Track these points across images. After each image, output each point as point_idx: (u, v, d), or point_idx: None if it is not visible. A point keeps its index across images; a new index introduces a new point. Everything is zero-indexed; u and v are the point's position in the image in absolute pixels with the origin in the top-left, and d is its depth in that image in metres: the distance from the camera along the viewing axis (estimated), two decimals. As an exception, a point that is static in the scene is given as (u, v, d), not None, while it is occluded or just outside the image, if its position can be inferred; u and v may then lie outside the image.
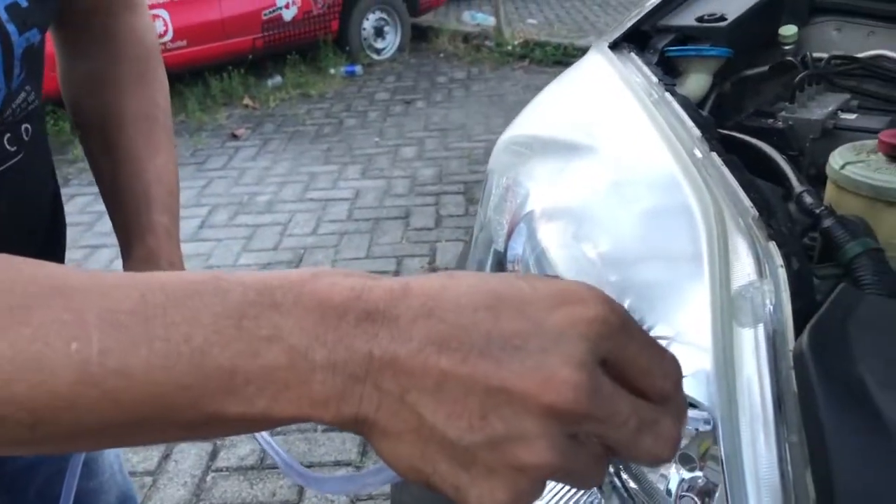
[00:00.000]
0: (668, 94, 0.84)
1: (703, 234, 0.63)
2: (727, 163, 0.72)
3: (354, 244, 3.65)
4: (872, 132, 0.96)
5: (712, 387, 0.54)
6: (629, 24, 1.08)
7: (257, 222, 3.94)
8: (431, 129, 5.21)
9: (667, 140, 0.76)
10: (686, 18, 1.09)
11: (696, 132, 0.76)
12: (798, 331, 0.54)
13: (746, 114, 1.04)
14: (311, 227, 3.84)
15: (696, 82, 1.03)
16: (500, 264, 0.86)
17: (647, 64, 0.93)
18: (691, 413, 0.47)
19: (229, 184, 4.46)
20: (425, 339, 0.33)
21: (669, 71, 1.04)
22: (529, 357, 0.33)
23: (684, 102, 0.83)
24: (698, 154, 0.74)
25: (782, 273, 0.57)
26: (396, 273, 3.35)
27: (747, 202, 0.65)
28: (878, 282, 0.60)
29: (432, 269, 3.37)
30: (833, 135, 0.98)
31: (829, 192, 0.78)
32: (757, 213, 0.63)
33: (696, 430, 0.54)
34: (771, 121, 1.00)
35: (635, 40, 1.06)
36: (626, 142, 0.80)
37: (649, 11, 1.10)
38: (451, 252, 3.49)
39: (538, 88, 1.02)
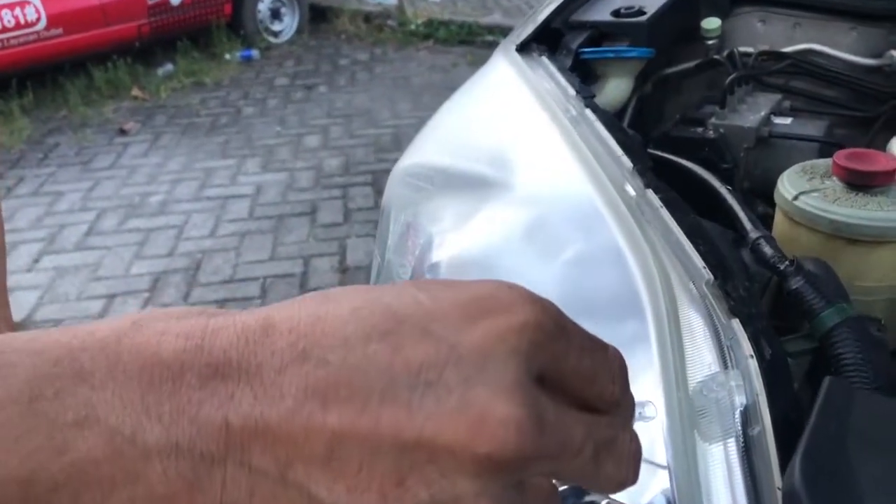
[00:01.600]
0: (588, 111, 0.71)
1: (648, 310, 0.50)
2: (667, 202, 0.59)
3: (257, 245, 3.43)
4: (810, 140, 0.86)
5: (676, 526, 0.42)
6: (538, 21, 0.94)
7: (150, 226, 3.66)
8: (335, 116, 5.00)
9: (591, 173, 0.63)
10: (601, 12, 0.96)
11: (627, 163, 0.63)
12: (779, 439, 0.42)
13: (673, 122, 0.92)
14: (210, 228, 3.60)
15: (617, 88, 0.90)
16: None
17: (562, 70, 0.80)
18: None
19: (118, 184, 4.15)
20: (303, 391, 0.26)
21: (586, 75, 0.91)
22: (449, 393, 0.26)
23: (608, 121, 0.70)
24: (631, 192, 0.61)
25: (753, 365, 0.45)
26: (304, 276, 3.16)
27: (698, 260, 0.52)
28: (861, 360, 0.48)
29: (343, 268, 3.20)
30: (768, 143, 0.88)
31: (780, 224, 0.67)
32: (712, 277, 0.51)
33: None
34: (701, 129, 0.88)
35: (546, 39, 0.93)
36: (543, 175, 0.67)
37: (560, 5, 0.96)
38: (362, 249, 3.33)
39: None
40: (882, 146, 0.81)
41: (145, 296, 3.10)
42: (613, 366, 0.30)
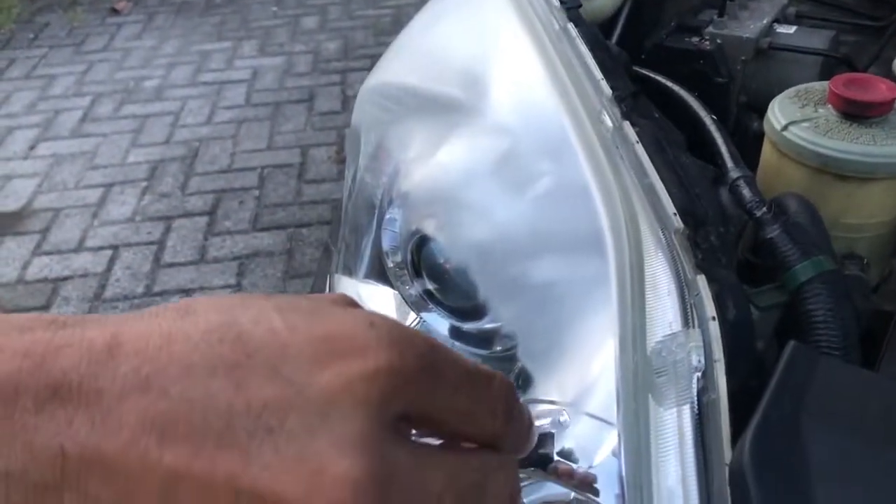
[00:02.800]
0: (571, 26, 0.66)
1: (611, 256, 0.48)
2: (643, 137, 0.55)
3: (254, 133, 3.37)
4: (813, 53, 0.80)
5: (623, 490, 0.41)
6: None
7: (146, 112, 3.59)
8: (334, -5, 4.79)
9: (567, 99, 0.59)
10: None
11: (607, 89, 0.59)
12: (735, 410, 0.40)
13: (668, 30, 0.86)
14: (206, 115, 3.53)
15: (607, -4, 0.84)
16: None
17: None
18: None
19: (112, 68, 4.04)
20: (141, 423, 0.24)
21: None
22: (289, 443, 0.24)
23: (590, 38, 0.65)
24: (608, 122, 0.57)
25: (714, 328, 0.42)
26: (302, 166, 3.12)
27: (669, 206, 0.49)
28: (831, 319, 0.46)
29: (340, 159, 3.15)
30: (768, 55, 0.82)
31: (767, 154, 0.63)
32: (682, 226, 0.48)
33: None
34: (697, 40, 0.82)
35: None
36: (515, 101, 0.62)
37: None
38: (359, 138, 3.27)
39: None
40: (891, 60, 0.76)
41: (143, 185, 3.08)
42: (496, 399, 0.28)
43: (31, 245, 2.79)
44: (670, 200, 0.49)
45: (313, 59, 3.98)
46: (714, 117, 0.65)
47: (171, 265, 2.65)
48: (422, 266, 0.65)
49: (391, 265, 0.66)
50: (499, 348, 0.63)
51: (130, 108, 3.64)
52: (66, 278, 2.63)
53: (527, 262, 0.60)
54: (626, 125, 0.55)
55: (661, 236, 0.48)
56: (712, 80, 0.80)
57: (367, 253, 0.73)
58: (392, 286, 0.69)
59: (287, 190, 3.00)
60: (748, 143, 0.84)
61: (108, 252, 2.73)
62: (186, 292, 2.52)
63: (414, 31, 0.74)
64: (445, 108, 0.64)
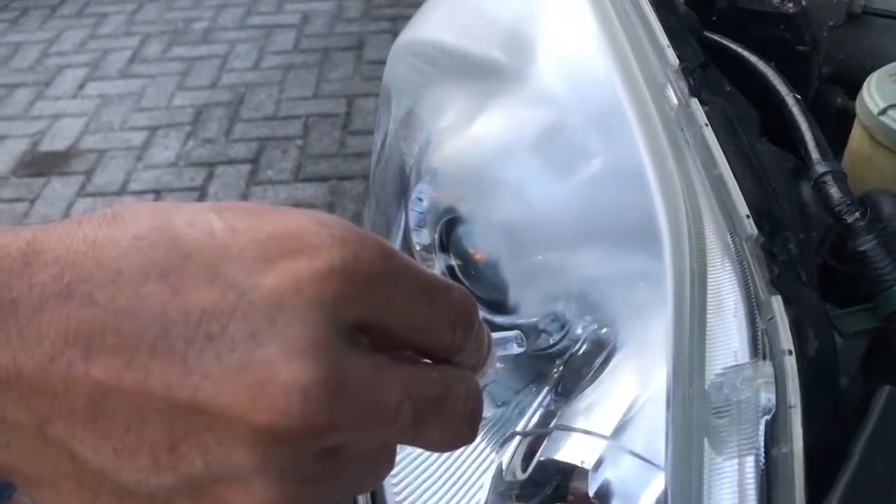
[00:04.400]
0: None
1: (668, 261, 0.40)
2: (713, 117, 0.47)
3: (301, 80, 3.30)
4: (915, 20, 0.70)
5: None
6: None
7: (194, 54, 3.55)
8: (389, -62, 4.65)
9: (626, 69, 0.51)
10: None
11: (673, 58, 0.50)
12: (811, 467, 0.33)
13: (745, -12, 0.75)
14: (253, 59, 3.47)
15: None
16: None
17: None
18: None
19: (163, 7, 4.00)
20: (63, 335, 0.22)
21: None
22: (232, 350, 0.23)
23: (665, 3, 0.56)
24: (672, 99, 0.49)
25: (790, 363, 0.35)
26: (348, 117, 3.05)
27: (742, 205, 0.41)
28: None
29: (386, 110, 3.07)
30: (862, 21, 0.72)
31: (856, 139, 0.54)
32: (755, 232, 0.40)
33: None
34: (778, 1, 0.72)
35: None
36: (565, 68, 0.54)
37: None
38: (407, 90, 3.18)
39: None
40: None
41: (187, 129, 3.05)
42: (455, 311, 0.26)
43: (75, 186, 2.79)
44: (742, 198, 0.41)
45: (364, 4, 3.88)
46: (798, 97, 0.56)
47: (212, 212, 2.63)
48: (451, 251, 0.58)
49: (417, 247, 0.59)
50: (535, 347, 0.57)
51: (178, 49, 3.60)
52: (108, 221, 2.63)
53: (568, 254, 0.52)
54: (694, 103, 0.47)
55: (730, 242, 0.40)
56: (793, 48, 0.70)
57: (394, 228, 0.66)
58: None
59: (331, 141, 2.94)
60: (829, 122, 0.74)
61: (151, 197, 2.72)
62: (226, 241, 2.50)
63: None
64: (484, 73, 0.57)
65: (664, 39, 0.51)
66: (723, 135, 0.45)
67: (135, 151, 2.94)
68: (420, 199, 0.57)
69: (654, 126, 0.48)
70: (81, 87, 3.38)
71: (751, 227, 0.40)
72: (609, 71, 0.51)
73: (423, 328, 0.26)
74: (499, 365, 0.34)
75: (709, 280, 0.39)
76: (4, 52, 3.62)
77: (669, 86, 0.49)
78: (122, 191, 2.75)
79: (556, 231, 0.53)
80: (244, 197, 2.68)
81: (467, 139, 0.55)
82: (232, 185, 2.74)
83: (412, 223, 0.59)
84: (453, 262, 0.58)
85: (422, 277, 0.26)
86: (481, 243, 0.56)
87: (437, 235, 0.57)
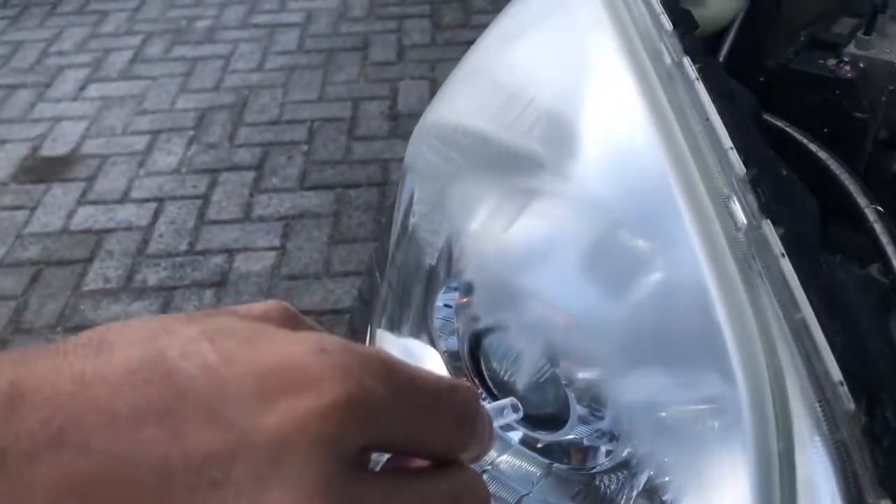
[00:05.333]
0: (687, 61, 0.51)
1: (749, 433, 0.34)
2: (788, 241, 0.41)
3: (305, 82, 3.24)
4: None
5: None
6: None
7: (197, 55, 3.48)
8: (395, -67, 4.57)
9: (683, 174, 0.45)
10: None
11: (738, 166, 0.45)
12: None
13: (797, 46, 0.69)
14: (257, 60, 3.40)
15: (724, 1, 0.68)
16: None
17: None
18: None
19: (165, 5, 3.93)
20: (56, 488, 0.21)
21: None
22: (238, 496, 0.21)
23: (715, 80, 0.50)
24: (738, 214, 0.43)
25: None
26: (353, 121, 2.99)
27: (833, 367, 0.35)
28: None
29: (394, 115, 3.01)
30: (923, 86, 0.66)
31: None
32: (853, 406, 0.34)
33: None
34: (833, 63, 0.66)
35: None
36: (615, 166, 0.48)
37: None
38: (414, 94, 3.11)
39: None
40: None
41: (190, 133, 2.99)
42: (461, 412, 0.26)
43: (76, 193, 2.74)
44: (832, 357, 0.35)
45: (369, 2, 3.81)
46: (881, 209, 0.50)
47: (216, 222, 2.57)
48: (482, 361, 0.52)
49: (443, 353, 0.54)
50: (578, 465, 0.51)
51: (181, 49, 3.53)
52: (110, 230, 2.58)
53: (616, 374, 0.47)
54: (767, 226, 0.41)
55: (819, 411, 0.35)
56: (849, 115, 0.64)
57: (408, 313, 0.61)
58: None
59: (336, 146, 2.89)
60: (884, 188, 0.68)
61: (153, 205, 2.66)
62: (230, 252, 2.45)
63: (485, 54, 0.60)
64: (521, 168, 0.51)
65: (727, 140, 0.46)
66: (802, 265, 0.40)
67: (137, 157, 2.89)
68: (447, 306, 0.52)
69: (719, 248, 0.42)
70: (83, 88, 3.32)
71: (847, 399, 0.34)
72: (665, 175, 0.46)
73: (429, 436, 0.25)
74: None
75: (798, 466, 0.33)
76: (4, 50, 3.56)
77: (735, 199, 0.44)
78: (125, 198, 2.70)
79: (602, 349, 0.47)
80: (248, 206, 2.62)
81: (502, 246, 0.49)
82: (235, 194, 2.68)
83: (437, 328, 0.53)
84: (485, 372, 0.53)
85: (426, 389, 0.25)
86: (516, 357, 0.50)
87: (466, 345, 0.52)
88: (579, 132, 0.51)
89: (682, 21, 0.55)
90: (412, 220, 0.60)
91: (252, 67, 3.35)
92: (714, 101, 0.49)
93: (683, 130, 0.48)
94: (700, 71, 0.51)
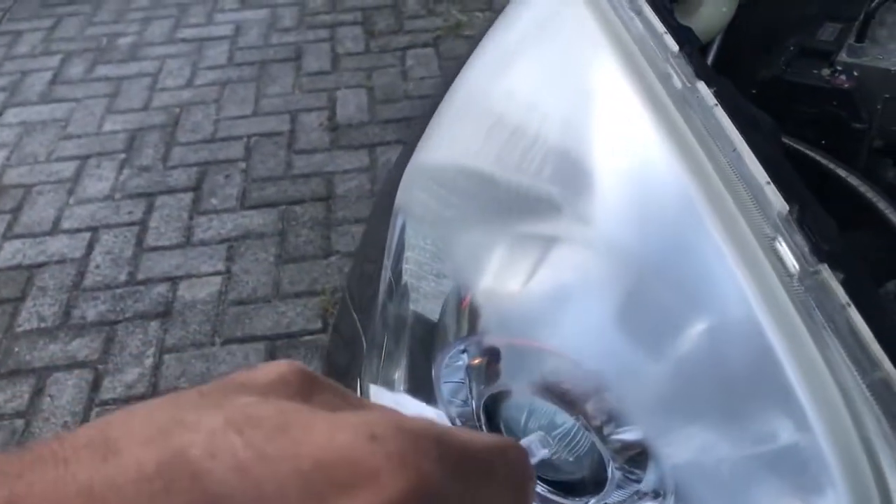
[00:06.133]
0: (702, 86, 0.48)
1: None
2: (850, 287, 0.38)
3: (239, 97, 3.13)
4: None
5: None
6: None
7: (121, 73, 3.34)
8: (319, -61, 4.48)
9: (722, 215, 0.41)
10: None
11: (780, 203, 0.41)
12: None
13: (787, 56, 0.67)
14: (186, 77, 3.28)
15: (716, 10, 0.64)
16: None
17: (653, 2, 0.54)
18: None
19: (83, 22, 3.76)
20: None
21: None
22: None
23: (732, 103, 0.47)
24: (790, 262, 0.39)
25: None
26: (292, 134, 2.90)
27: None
28: None
29: (333, 126, 2.93)
30: (919, 93, 0.64)
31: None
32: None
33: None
34: (828, 72, 0.64)
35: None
36: (641, 205, 0.44)
37: None
38: (352, 102, 3.04)
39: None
40: None
41: (121, 157, 2.86)
42: (516, 471, 0.25)
43: (1, 227, 2.58)
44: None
45: (299, 12, 3.72)
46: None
47: (155, 249, 2.46)
48: (502, 427, 0.48)
49: (455, 420, 0.49)
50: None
51: (104, 68, 3.38)
52: (41, 265, 2.44)
53: (661, 438, 0.43)
54: (826, 271, 0.38)
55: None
56: (848, 126, 0.62)
57: (410, 374, 0.56)
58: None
59: (276, 162, 2.80)
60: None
61: (86, 235, 2.53)
62: (173, 280, 2.34)
63: (475, 85, 0.55)
64: (535, 212, 0.46)
65: (762, 174, 0.42)
66: (868, 314, 0.36)
67: (65, 185, 2.75)
68: (457, 368, 0.47)
69: (774, 296, 0.38)
70: (0, 114, 3.14)
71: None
72: (698, 214, 0.42)
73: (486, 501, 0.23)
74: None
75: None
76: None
77: (781, 240, 0.40)
78: (55, 229, 2.56)
79: (642, 408, 0.43)
80: (188, 230, 2.52)
81: (521, 301, 0.45)
82: (174, 218, 2.57)
83: (445, 394, 0.49)
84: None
85: (480, 458, 0.23)
86: (542, 421, 0.46)
87: (482, 409, 0.47)
88: (595, 169, 0.46)
89: (687, 40, 0.52)
90: (406, 267, 0.55)
91: (182, 84, 3.23)
92: (739, 129, 0.45)
93: (713, 164, 0.44)
94: (717, 95, 0.47)
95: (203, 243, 2.47)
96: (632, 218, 0.44)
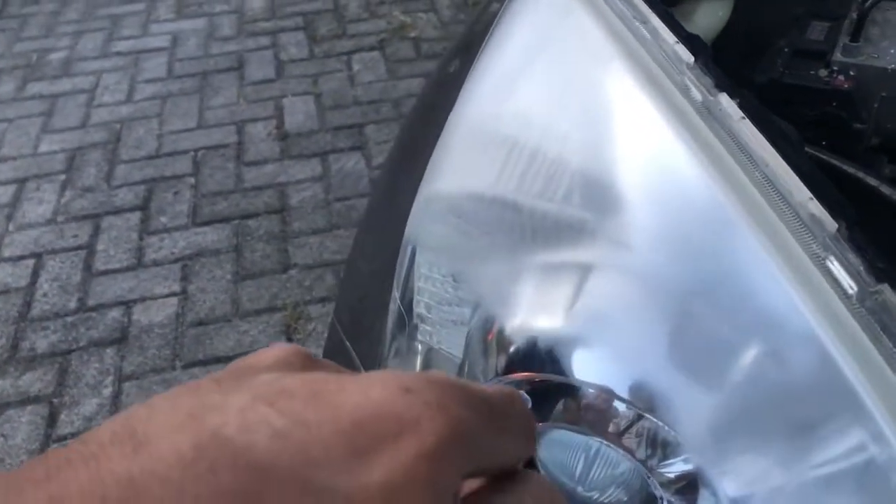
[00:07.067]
0: (724, 98, 0.46)
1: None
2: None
3: (182, 110, 3.04)
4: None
5: None
6: None
7: (55, 90, 3.21)
8: (253, -56, 4.38)
9: (771, 234, 0.40)
10: None
11: (829, 221, 0.40)
12: None
13: (783, 58, 0.66)
14: (125, 91, 3.17)
15: (712, 14, 0.63)
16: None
17: (659, 13, 0.53)
18: None
19: (9, 38, 3.60)
20: None
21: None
22: None
23: (758, 115, 0.45)
24: (847, 283, 0.38)
25: None
26: (240, 146, 2.83)
27: None
28: None
29: (282, 135, 2.87)
30: (915, 89, 0.64)
31: None
32: None
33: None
34: (825, 73, 0.63)
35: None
36: (683, 230, 0.42)
37: None
38: (300, 110, 2.99)
39: None
40: None
41: (61, 178, 2.75)
42: (523, 420, 0.26)
43: (-63, 259, 2.45)
44: None
45: (238, 19, 3.63)
46: None
47: (105, 273, 2.37)
48: (538, 463, 0.45)
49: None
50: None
51: (36, 86, 3.25)
52: (-17, 296, 2.32)
53: (717, 466, 0.41)
54: (888, 291, 0.36)
55: None
56: (849, 126, 0.61)
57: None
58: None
59: (225, 175, 2.72)
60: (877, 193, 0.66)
61: (30, 261, 2.42)
62: (126, 304, 2.26)
63: (482, 107, 0.52)
64: (565, 238, 0.44)
65: (803, 190, 0.40)
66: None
67: (3, 210, 2.62)
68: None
69: (837, 318, 0.37)
70: (-74, 139, 2.99)
71: None
72: (744, 235, 0.40)
73: (505, 450, 0.25)
74: None
75: None
76: None
77: (834, 259, 0.38)
78: (-5, 258, 2.44)
79: (693, 437, 0.41)
80: (139, 251, 2.43)
81: (554, 334, 0.42)
82: (123, 239, 2.48)
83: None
84: (539, 470, 0.46)
85: (496, 404, 0.24)
86: (587, 455, 0.44)
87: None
88: (625, 191, 0.44)
89: (700, 50, 0.50)
90: (419, 299, 0.52)
91: (120, 99, 3.12)
92: (770, 142, 0.44)
93: (750, 180, 0.42)
94: (742, 107, 0.46)
95: (156, 264, 2.39)
96: (671, 240, 0.43)
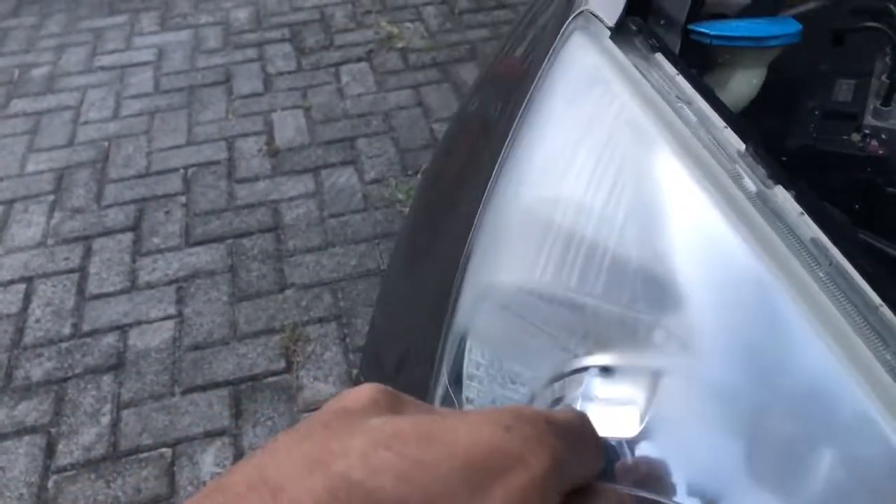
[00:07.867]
0: (780, 191, 0.46)
1: None
2: None
3: (170, 126, 3.01)
4: None
5: None
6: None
7: (39, 107, 3.17)
8: (235, -48, 4.35)
9: (846, 346, 0.40)
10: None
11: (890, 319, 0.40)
12: None
13: (815, 121, 0.66)
14: (111, 107, 3.14)
15: (746, 83, 0.63)
16: None
17: (699, 87, 0.52)
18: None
19: (-10, 54, 3.55)
20: None
21: (693, 55, 0.63)
22: None
23: (815, 208, 0.45)
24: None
25: None
26: (230, 162, 2.81)
27: None
28: None
29: (273, 150, 2.85)
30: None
31: None
32: None
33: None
34: (858, 137, 0.63)
35: (636, 5, 0.64)
36: (751, 338, 0.42)
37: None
38: (290, 125, 2.97)
39: None
40: None
41: (50, 199, 2.71)
42: (595, 439, 0.29)
43: (-75, 285, 2.41)
44: None
45: (223, 31, 3.60)
46: None
47: (99, 296, 2.34)
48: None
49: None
50: None
51: (19, 103, 3.20)
52: (-26, 323, 2.29)
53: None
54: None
55: None
56: (884, 191, 0.62)
57: None
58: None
59: (217, 193, 2.70)
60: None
61: (21, 286, 2.39)
62: (122, 329, 2.23)
63: (526, 194, 0.51)
64: (626, 341, 0.44)
65: (874, 296, 0.40)
66: None
67: (-10, 234, 2.59)
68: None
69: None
70: None
71: None
72: (819, 346, 0.40)
73: (586, 470, 0.28)
74: None
75: None
76: None
77: (890, 352, 0.38)
78: (-15, 283, 2.40)
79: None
80: (132, 273, 2.40)
81: (622, 446, 0.42)
82: (115, 261, 2.46)
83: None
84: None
85: (575, 429, 0.28)
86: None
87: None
88: (686, 291, 0.44)
89: (751, 137, 0.50)
90: (468, 384, 0.52)
91: (107, 116, 3.08)
92: (830, 238, 0.44)
93: (815, 281, 0.42)
94: (798, 200, 0.46)
95: (150, 286, 2.37)
96: (739, 345, 0.42)
